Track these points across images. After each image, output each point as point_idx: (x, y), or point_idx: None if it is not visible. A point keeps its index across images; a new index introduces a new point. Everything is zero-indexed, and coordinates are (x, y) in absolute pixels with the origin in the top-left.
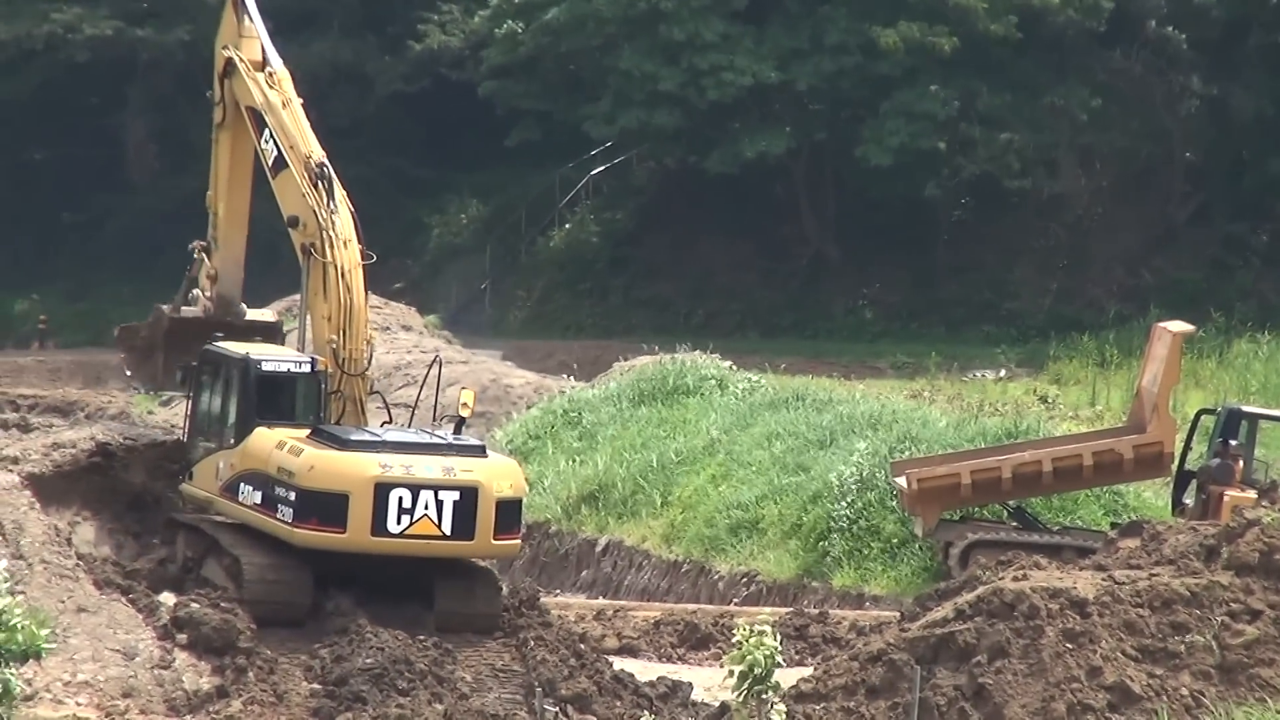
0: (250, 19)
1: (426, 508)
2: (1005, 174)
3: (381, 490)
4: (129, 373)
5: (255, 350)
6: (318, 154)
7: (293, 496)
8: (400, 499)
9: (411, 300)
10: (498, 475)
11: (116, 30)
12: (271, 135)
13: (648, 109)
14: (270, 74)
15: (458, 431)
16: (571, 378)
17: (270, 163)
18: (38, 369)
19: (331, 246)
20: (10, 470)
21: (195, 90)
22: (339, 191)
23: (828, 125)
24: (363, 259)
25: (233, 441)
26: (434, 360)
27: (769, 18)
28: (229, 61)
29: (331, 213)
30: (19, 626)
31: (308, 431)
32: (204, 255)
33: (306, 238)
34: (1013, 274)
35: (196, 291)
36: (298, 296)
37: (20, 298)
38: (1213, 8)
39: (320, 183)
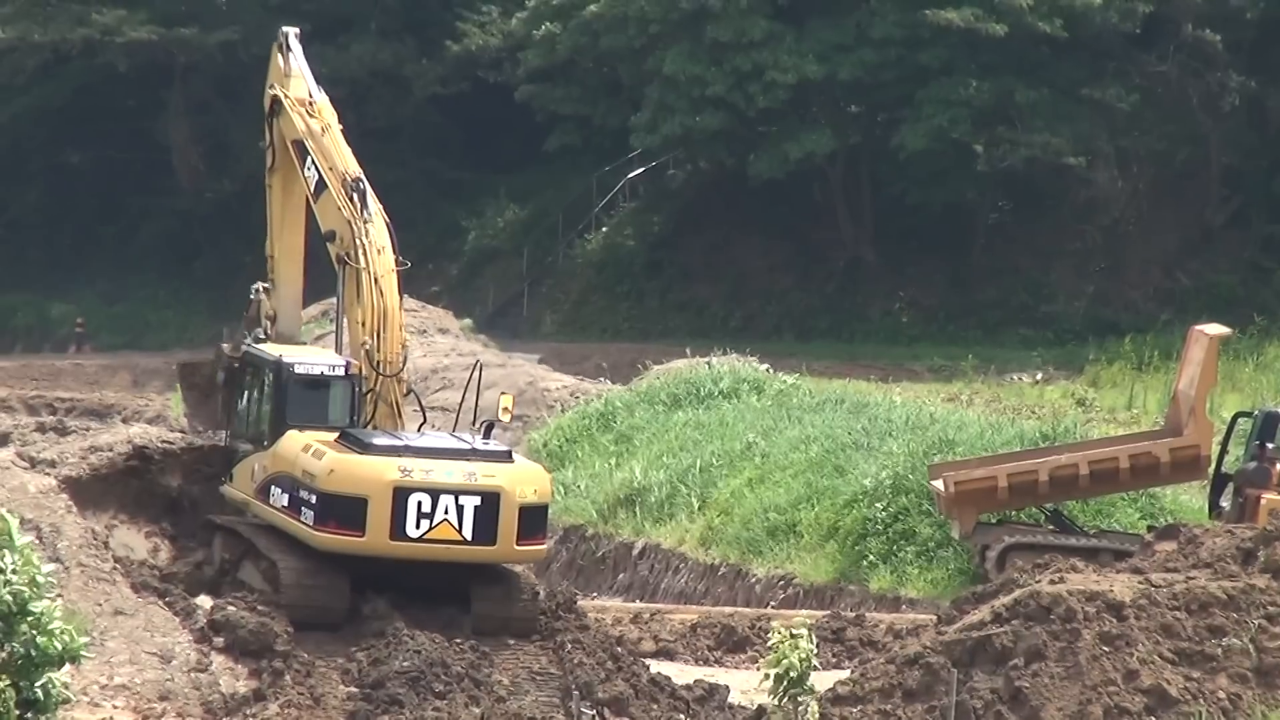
0: (295, 57)
1: (446, 512)
2: (1041, 176)
3: (400, 494)
4: (188, 410)
5: (289, 352)
6: (354, 170)
7: (314, 499)
8: (419, 503)
9: (448, 303)
10: (521, 480)
11: (158, 35)
12: (313, 161)
13: (692, 115)
14: (311, 103)
15: (486, 436)
16: (606, 380)
17: (312, 189)
18: (75, 372)
19: (364, 253)
20: (47, 473)
21: (233, 94)
22: (374, 204)
23: (865, 127)
24: (397, 265)
25: (266, 444)
26: (475, 365)
27: (809, 15)
28: (274, 99)
29: (366, 222)
30: (57, 630)
31: (336, 435)
32: (264, 296)
33: (342, 249)
34: (1049, 277)
35: (258, 331)
36: (334, 300)
37: (58, 301)
38: (1248, 10)
39: (355, 195)
